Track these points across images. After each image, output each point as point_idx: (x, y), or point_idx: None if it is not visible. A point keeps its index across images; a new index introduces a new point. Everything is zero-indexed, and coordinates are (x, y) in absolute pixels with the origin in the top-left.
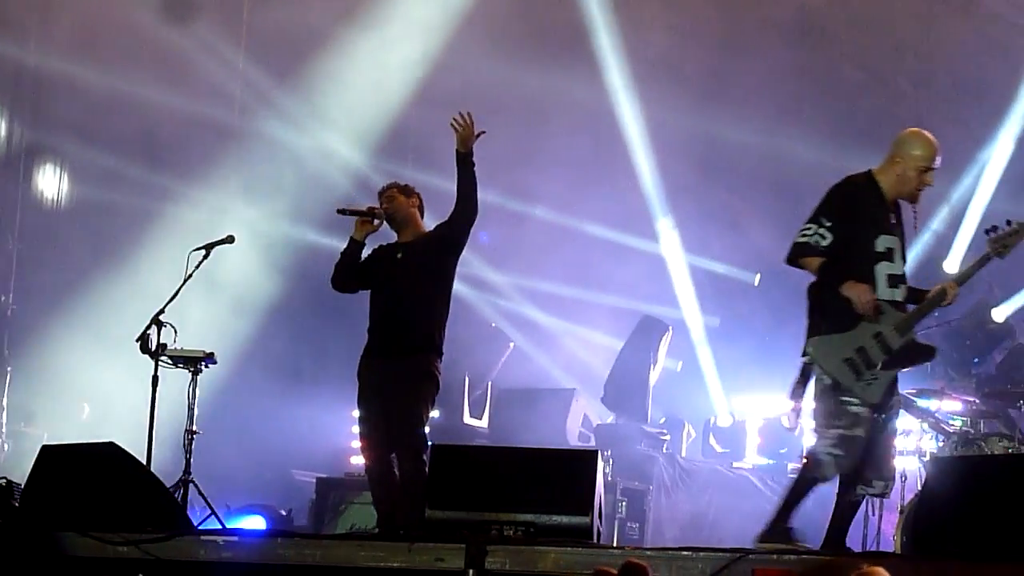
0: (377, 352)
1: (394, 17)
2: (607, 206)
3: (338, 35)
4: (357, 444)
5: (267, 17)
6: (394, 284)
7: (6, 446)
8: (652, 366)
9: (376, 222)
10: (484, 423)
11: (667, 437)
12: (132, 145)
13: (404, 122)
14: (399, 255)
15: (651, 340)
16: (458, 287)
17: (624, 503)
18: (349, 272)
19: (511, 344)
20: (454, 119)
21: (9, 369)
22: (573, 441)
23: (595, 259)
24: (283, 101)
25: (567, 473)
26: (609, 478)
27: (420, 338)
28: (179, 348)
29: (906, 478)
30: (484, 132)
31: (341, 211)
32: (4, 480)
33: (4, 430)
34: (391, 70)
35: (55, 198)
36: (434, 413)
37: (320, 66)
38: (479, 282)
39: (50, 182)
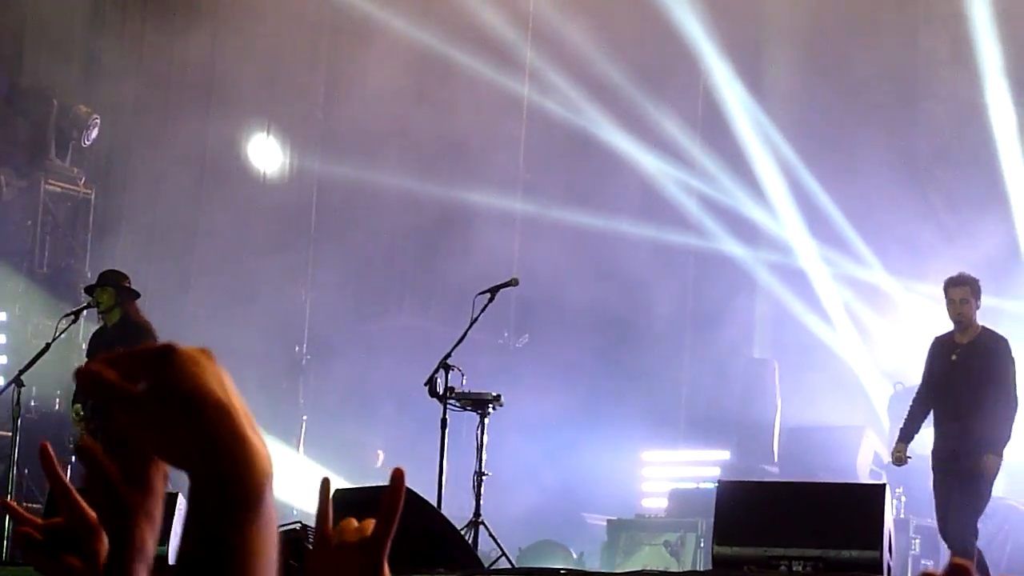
0: (945, 453)
1: None
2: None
3: None
4: (647, 487)
5: None
6: (951, 387)
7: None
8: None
9: None
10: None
11: None
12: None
13: None
14: (953, 356)
15: None
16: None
17: (918, 540)
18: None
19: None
20: None
21: (305, 418)
22: (863, 478)
23: None
24: None
25: (855, 508)
26: (901, 515)
27: (979, 441)
28: (467, 391)
29: None
30: None
31: None
32: (299, 524)
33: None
34: None
35: (346, 249)
36: (725, 455)
37: None
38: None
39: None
